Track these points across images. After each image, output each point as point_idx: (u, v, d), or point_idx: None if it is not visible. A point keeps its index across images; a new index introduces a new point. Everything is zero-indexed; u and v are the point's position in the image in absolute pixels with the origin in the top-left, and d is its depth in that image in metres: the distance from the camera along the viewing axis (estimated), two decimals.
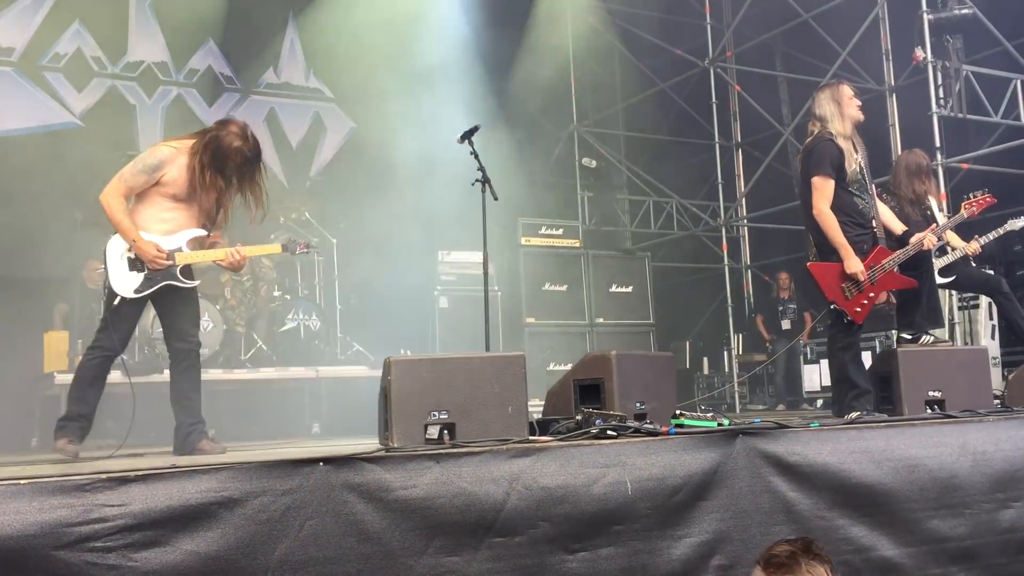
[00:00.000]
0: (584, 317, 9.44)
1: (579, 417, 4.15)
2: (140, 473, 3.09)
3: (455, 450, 3.62)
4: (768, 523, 3.80)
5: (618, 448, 3.78)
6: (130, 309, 4.82)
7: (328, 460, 3.34)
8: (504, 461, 3.57)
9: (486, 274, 5.46)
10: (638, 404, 4.46)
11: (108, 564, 2.90)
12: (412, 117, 10.20)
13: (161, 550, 2.98)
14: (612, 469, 3.65)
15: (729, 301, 10.73)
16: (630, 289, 9.80)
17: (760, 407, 10.66)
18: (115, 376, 7.16)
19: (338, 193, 9.12)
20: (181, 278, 4.84)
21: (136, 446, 7.06)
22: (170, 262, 4.77)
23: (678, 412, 4.28)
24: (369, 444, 4.69)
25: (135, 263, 4.76)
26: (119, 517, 2.97)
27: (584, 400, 4.44)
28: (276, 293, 8.26)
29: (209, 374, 7.45)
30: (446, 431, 3.95)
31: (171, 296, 4.86)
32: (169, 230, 4.81)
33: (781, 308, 10.79)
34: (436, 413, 3.97)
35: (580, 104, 12.23)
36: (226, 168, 4.77)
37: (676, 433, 3.99)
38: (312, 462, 3.32)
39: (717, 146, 11.03)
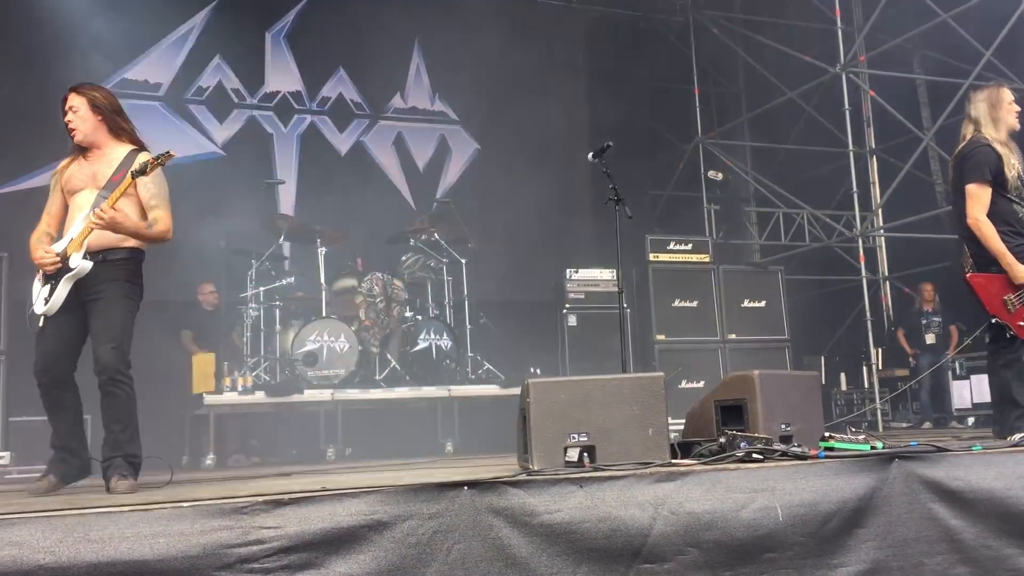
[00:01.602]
0: (716, 333, 9.24)
1: (722, 440, 4.03)
2: (293, 496, 3.16)
3: (598, 474, 3.57)
4: (930, 552, 3.60)
5: (765, 472, 3.65)
6: (51, 329, 4.34)
7: (472, 484, 3.34)
8: (648, 485, 3.50)
9: (621, 293, 5.39)
10: (783, 426, 4.31)
11: None
12: (535, 136, 10.27)
13: (316, 572, 3.03)
14: (761, 494, 3.52)
15: (868, 314, 10.32)
16: (763, 304, 9.53)
17: (904, 425, 10.20)
18: (259, 396, 7.49)
19: (465, 213, 9.23)
20: (71, 266, 4.30)
21: (281, 464, 7.32)
22: (59, 259, 4.33)
23: (827, 435, 4.12)
24: (504, 463, 4.70)
25: (43, 277, 4.40)
26: (276, 539, 3.04)
27: (726, 422, 4.32)
28: (408, 314, 8.40)
29: (346, 394, 7.69)
30: (586, 454, 3.91)
31: (91, 310, 4.36)
32: (70, 227, 4.43)
33: (925, 321, 10.31)
34: (576, 435, 3.94)
35: (704, 116, 12.04)
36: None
37: (826, 457, 3.84)
38: (457, 486, 3.33)
39: (851, 154, 10.63)
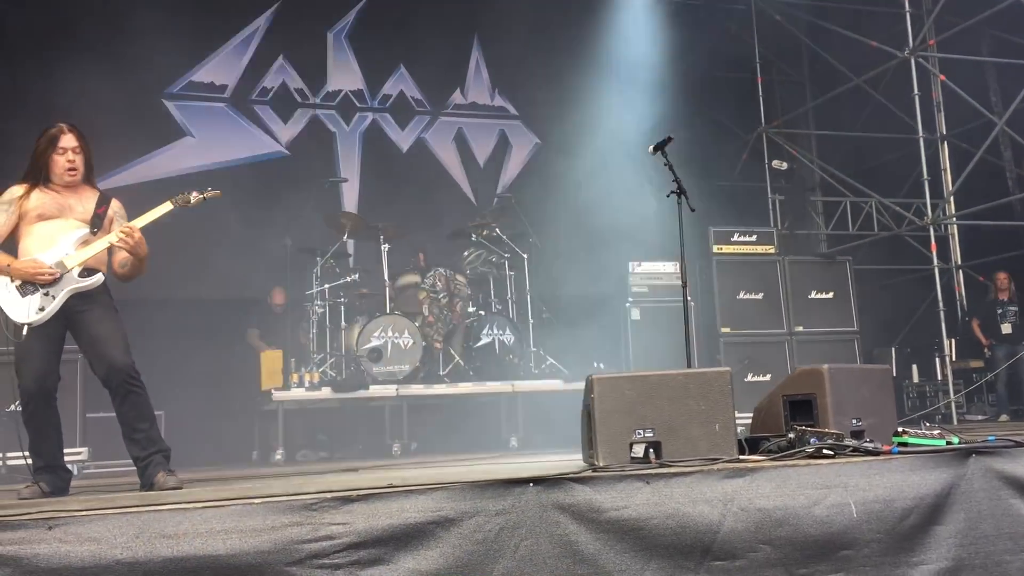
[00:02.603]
0: (782, 326, 9.09)
1: (791, 435, 3.96)
2: (361, 493, 3.20)
3: (664, 470, 3.54)
4: (1014, 550, 3.49)
5: (837, 468, 3.59)
6: (37, 342, 4.40)
7: (538, 481, 3.34)
8: (717, 481, 3.47)
9: (686, 286, 5.33)
10: (854, 421, 4.21)
11: None
12: (596, 129, 10.22)
13: (385, 568, 3.06)
14: (833, 490, 3.46)
15: (940, 304, 10.04)
16: (831, 295, 9.34)
17: (979, 417, 9.91)
18: (325, 392, 7.59)
19: (526, 208, 9.23)
20: (80, 279, 4.49)
21: (347, 459, 7.41)
22: (57, 271, 4.43)
23: (900, 430, 4.02)
24: (569, 459, 4.69)
25: (25, 287, 4.41)
26: (344, 535, 3.08)
27: (795, 417, 4.23)
28: (471, 309, 8.43)
29: (411, 389, 7.74)
30: (651, 449, 3.87)
31: (84, 320, 4.51)
32: (51, 245, 4.50)
33: (1000, 310, 10.01)
34: (641, 431, 3.90)
35: (768, 105, 11.83)
36: (49, 165, 4.58)
37: (900, 452, 3.75)
38: (522, 482, 3.33)
39: (921, 140, 10.35)
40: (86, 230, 4.58)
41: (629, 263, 9.12)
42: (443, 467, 5.26)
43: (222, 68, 9.78)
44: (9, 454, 6.35)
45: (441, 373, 8.10)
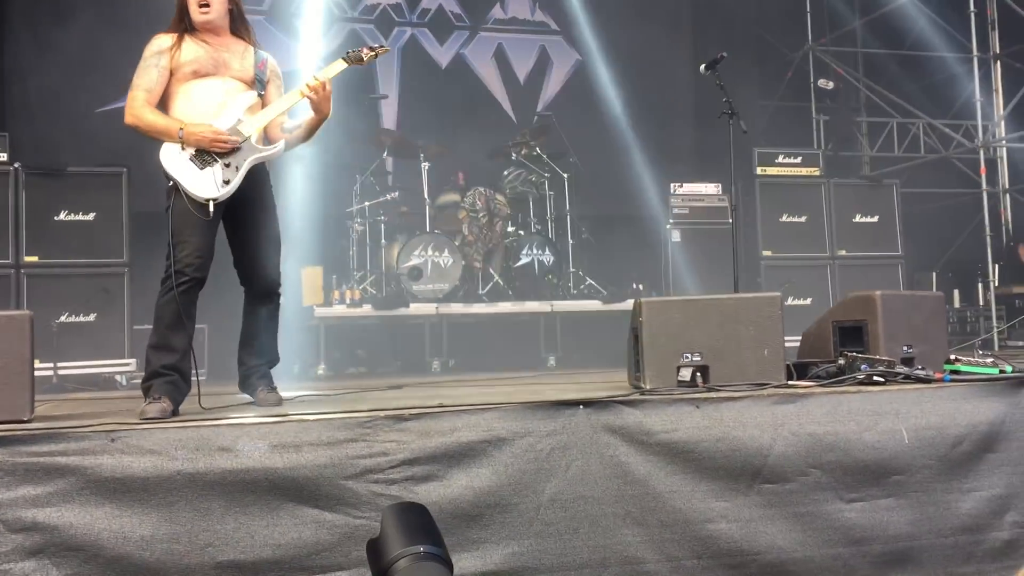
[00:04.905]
0: (825, 249, 8.96)
1: (841, 362, 3.96)
2: (414, 412, 3.25)
3: (714, 394, 3.57)
4: None
5: (889, 395, 3.60)
6: (207, 221, 3.84)
7: (588, 403, 3.38)
8: (767, 406, 3.49)
9: (735, 210, 5.27)
10: (905, 348, 4.18)
11: (392, 495, 3.08)
12: (638, 47, 9.99)
13: (439, 483, 3.14)
14: (884, 417, 3.47)
15: (987, 229, 9.87)
16: (876, 219, 9.17)
17: (1020, 343, 9.81)
18: (366, 309, 7.65)
19: (567, 127, 9.09)
20: (262, 147, 4.03)
21: (387, 376, 7.50)
22: (237, 137, 3.90)
23: (953, 357, 3.99)
24: (610, 380, 4.72)
25: (202, 157, 3.83)
26: (399, 452, 3.15)
27: (844, 343, 4.22)
28: (510, 229, 8.39)
29: (451, 308, 7.80)
30: (699, 373, 3.88)
31: (247, 214, 4.09)
32: (217, 111, 3.95)
33: None
34: (689, 355, 3.90)
35: (815, 22, 11.48)
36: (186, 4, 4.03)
37: (952, 380, 3.73)
38: (572, 404, 3.37)
39: (975, 59, 10.03)
40: (253, 93, 4.05)
41: (670, 184, 8.99)
42: (487, 386, 5.31)
43: None
44: (60, 364, 6.47)
45: (480, 292, 8.12)
